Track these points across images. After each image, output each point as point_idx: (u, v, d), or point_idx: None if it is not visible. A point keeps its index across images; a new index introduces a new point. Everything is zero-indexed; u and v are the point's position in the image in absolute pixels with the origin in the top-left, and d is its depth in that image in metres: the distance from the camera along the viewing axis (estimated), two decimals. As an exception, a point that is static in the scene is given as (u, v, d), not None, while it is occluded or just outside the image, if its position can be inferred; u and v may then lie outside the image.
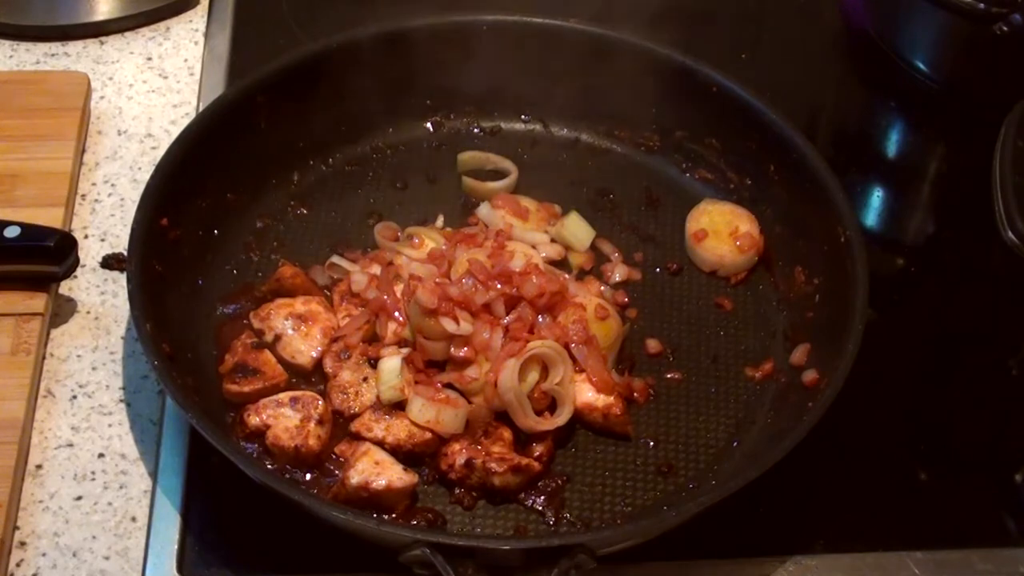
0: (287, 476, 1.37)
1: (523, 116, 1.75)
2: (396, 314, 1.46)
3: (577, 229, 1.61)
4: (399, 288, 1.48)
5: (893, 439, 1.49)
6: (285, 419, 1.38)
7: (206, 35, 1.89)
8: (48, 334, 1.50)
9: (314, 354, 1.46)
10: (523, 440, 1.40)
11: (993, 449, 1.49)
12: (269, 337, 1.46)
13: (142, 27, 1.89)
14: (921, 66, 1.87)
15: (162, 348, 1.37)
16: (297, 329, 1.47)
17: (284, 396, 1.41)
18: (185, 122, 1.67)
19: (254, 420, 1.39)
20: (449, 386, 1.42)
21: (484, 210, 1.62)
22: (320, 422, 1.38)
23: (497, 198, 1.63)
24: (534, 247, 1.58)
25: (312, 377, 1.46)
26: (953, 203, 1.78)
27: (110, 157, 1.71)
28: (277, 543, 1.33)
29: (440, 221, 1.63)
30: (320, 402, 1.40)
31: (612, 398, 1.43)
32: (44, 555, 1.33)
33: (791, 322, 1.54)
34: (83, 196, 1.65)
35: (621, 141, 1.73)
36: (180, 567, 1.32)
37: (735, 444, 1.45)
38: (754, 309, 1.58)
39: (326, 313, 1.49)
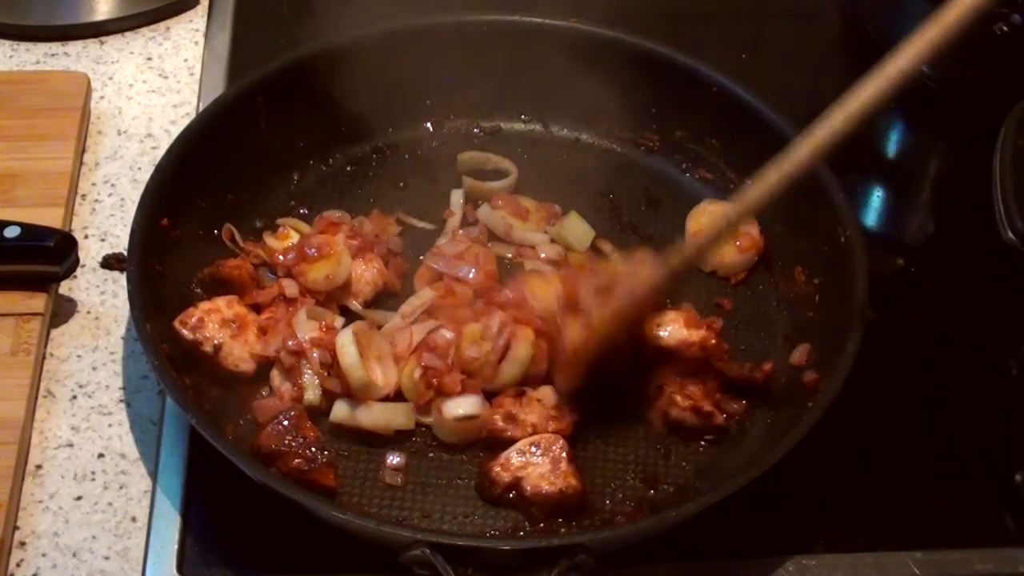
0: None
1: (523, 116, 1.75)
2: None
3: (577, 229, 1.61)
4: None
5: (893, 439, 1.49)
6: (535, 467, 1.35)
7: (206, 35, 1.89)
8: (48, 334, 1.50)
9: (254, 361, 1.43)
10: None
11: (993, 449, 1.49)
12: (208, 347, 1.42)
13: (142, 27, 1.89)
14: (921, 66, 1.87)
15: (162, 348, 1.37)
16: (235, 337, 1.43)
17: (524, 444, 1.36)
18: (185, 122, 1.67)
19: (505, 477, 1.35)
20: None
21: (484, 210, 1.62)
22: (570, 460, 1.36)
23: (497, 198, 1.63)
24: (534, 247, 1.59)
25: (253, 382, 1.44)
26: (953, 203, 1.77)
27: (110, 157, 1.71)
28: (277, 543, 1.33)
29: (440, 221, 1.64)
30: (562, 440, 1.37)
31: (704, 331, 1.45)
32: (44, 555, 1.33)
33: (791, 322, 1.54)
34: (83, 196, 1.65)
35: (621, 141, 1.73)
36: (180, 567, 1.32)
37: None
38: (754, 309, 1.58)
39: (251, 314, 1.46)
